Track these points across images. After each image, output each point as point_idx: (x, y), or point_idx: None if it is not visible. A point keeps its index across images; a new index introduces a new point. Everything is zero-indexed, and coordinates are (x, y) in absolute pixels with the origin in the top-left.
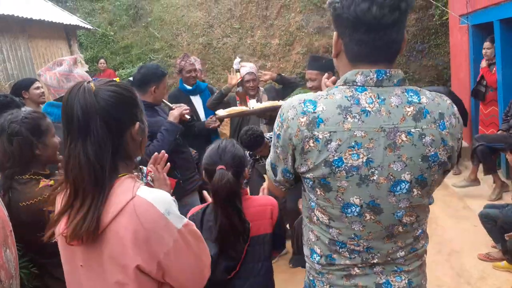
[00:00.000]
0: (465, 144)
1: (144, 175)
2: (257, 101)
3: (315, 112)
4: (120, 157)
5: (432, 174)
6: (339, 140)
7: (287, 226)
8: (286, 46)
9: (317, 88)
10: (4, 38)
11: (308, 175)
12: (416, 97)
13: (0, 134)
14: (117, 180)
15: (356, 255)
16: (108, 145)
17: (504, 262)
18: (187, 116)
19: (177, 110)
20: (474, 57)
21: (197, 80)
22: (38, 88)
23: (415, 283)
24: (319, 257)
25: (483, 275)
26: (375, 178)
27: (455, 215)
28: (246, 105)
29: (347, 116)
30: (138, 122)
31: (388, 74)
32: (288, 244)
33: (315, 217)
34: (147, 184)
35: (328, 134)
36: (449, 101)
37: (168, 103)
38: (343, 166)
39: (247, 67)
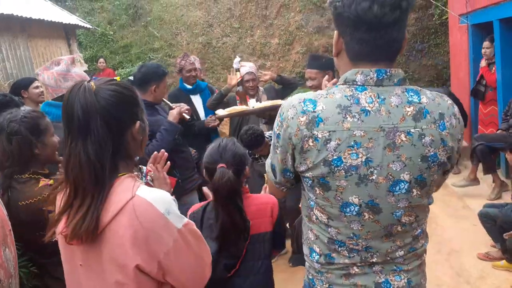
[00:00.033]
0: (464, 143)
1: (143, 174)
2: (257, 100)
3: (314, 112)
4: (120, 156)
5: (431, 175)
6: (338, 139)
7: (287, 225)
8: (285, 45)
9: (317, 87)
10: (3, 37)
11: (307, 174)
12: (417, 97)
13: None
14: (117, 179)
15: (355, 254)
16: (108, 144)
17: (504, 261)
18: (187, 116)
19: (177, 110)
20: (474, 57)
21: (197, 80)
22: (37, 87)
23: (414, 282)
24: (318, 256)
25: (482, 274)
26: (374, 177)
27: (455, 214)
28: (247, 105)
29: (347, 116)
30: (138, 121)
31: (388, 73)
32: (288, 243)
33: (314, 216)
34: (147, 184)
35: (328, 134)
36: (450, 101)
37: (168, 102)
38: (342, 165)
39: (247, 67)
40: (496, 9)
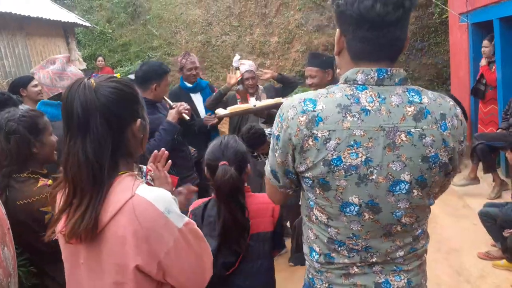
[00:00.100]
0: None
1: (143, 174)
2: (256, 99)
3: (314, 111)
4: (121, 154)
5: (432, 175)
6: (338, 139)
7: (287, 224)
8: (285, 44)
9: (317, 85)
10: (1, 35)
11: (307, 174)
12: (418, 97)
13: None
14: (117, 177)
15: (354, 254)
16: (108, 142)
17: (504, 260)
18: (187, 117)
19: (176, 110)
20: (474, 56)
21: (197, 78)
22: (35, 86)
23: (415, 282)
24: (318, 256)
25: (482, 273)
26: (374, 177)
27: (455, 213)
28: (247, 103)
29: (347, 115)
30: (139, 119)
31: (389, 73)
32: (288, 242)
33: (314, 216)
34: (147, 183)
35: (327, 133)
36: (452, 102)
37: (169, 101)
38: (341, 165)
39: (246, 65)
40: (496, 8)
